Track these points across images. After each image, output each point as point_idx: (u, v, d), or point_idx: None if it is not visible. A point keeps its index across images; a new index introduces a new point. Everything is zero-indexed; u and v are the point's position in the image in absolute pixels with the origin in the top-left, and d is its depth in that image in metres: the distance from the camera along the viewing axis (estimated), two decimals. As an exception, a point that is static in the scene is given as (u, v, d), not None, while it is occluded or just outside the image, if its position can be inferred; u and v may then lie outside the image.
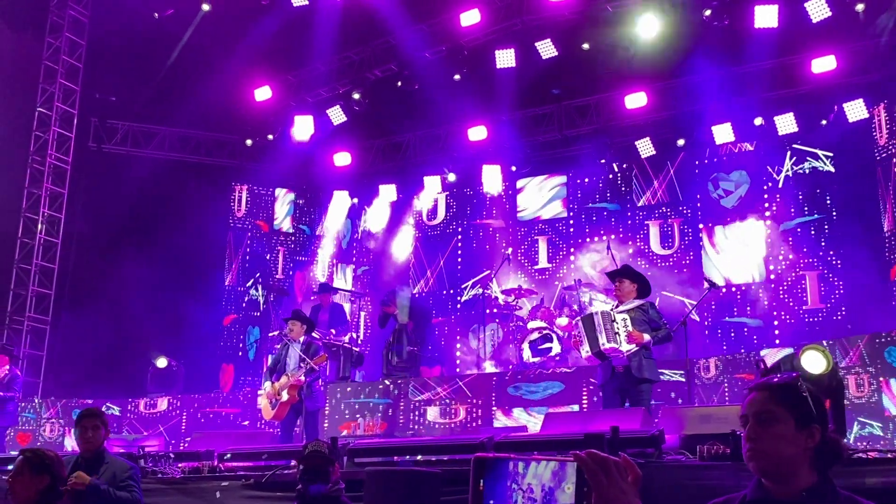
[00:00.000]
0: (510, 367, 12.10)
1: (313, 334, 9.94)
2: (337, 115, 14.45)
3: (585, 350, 7.70)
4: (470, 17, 13.02)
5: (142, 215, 14.04)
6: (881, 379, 8.42)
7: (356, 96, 14.40)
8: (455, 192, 15.07)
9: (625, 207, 13.70)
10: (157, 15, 13.97)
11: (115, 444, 9.65)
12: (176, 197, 14.25)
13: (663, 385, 8.91)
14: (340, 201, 15.65)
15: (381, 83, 14.39)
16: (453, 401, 10.46)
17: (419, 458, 6.11)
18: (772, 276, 12.45)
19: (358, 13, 13.27)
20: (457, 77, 13.72)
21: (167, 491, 6.63)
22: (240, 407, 11.81)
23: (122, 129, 15.16)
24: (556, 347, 11.16)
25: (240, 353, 14.66)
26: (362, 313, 15.17)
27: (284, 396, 8.82)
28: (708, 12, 11.86)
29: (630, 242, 13.45)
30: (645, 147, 13.38)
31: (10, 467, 5.57)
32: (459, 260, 14.80)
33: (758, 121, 12.74)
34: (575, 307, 11.80)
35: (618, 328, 7.52)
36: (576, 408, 9.72)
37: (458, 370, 13.46)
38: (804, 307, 12.14)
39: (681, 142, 13.43)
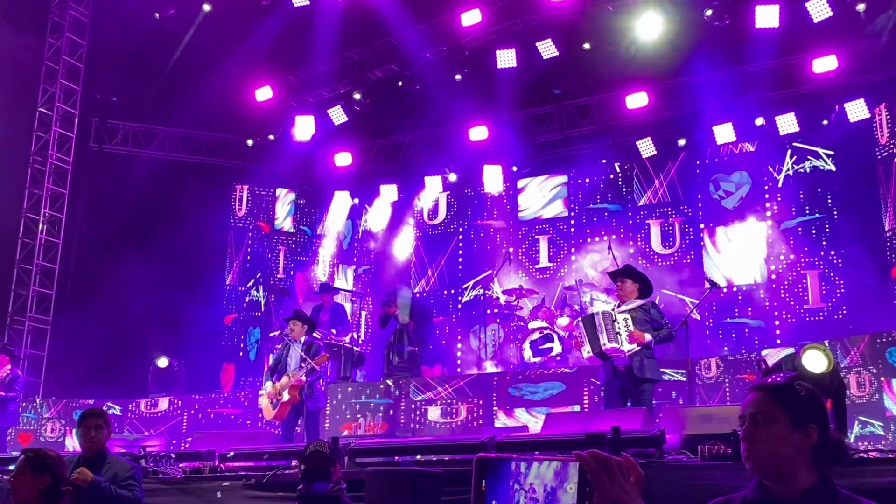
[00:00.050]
0: (511, 366, 12.10)
1: (314, 334, 9.94)
2: (338, 115, 14.46)
3: (587, 350, 7.70)
4: (471, 17, 13.02)
5: (143, 215, 14.04)
6: (882, 379, 8.42)
7: (357, 96, 14.40)
8: (456, 192, 15.07)
9: (626, 207, 13.70)
10: (157, 15, 13.98)
11: (116, 444, 9.64)
12: (177, 197, 14.25)
13: (664, 385, 8.91)
14: (341, 201, 15.66)
15: (382, 83, 14.39)
16: (454, 401, 10.46)
17: (419, 458, 6.10)
18: (773, 276, 12.45)
19: (359, 13, 13.27)
20: (458, 77, 13.72)
21: (168, 491, 6.63)
22: (240, 407, 11.82)
23: (123, 130, 15.17)
24: (556, 347, 11.16)
25: (240, 354, 14.67)
26: (363, 313, 15.18)
27: (285, 396, 8.82)
28: (709, 12, 11.86)
29: (631, 242, 13.45)
30: (646, 147, 13.38)
31: (11, 467, 5.58)
32: (460, 260, 14.81)
33: (759, 121, 12.74)
34: (576, 307, 11.80)
35: (619, 328, 7.52)
36: (577, 408, 9.72)
37: (459, 370, 13.47)
38: (805, 306, 12.14)
39: (682, 142, 13.43)
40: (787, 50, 12.17)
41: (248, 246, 15.18)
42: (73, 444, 11.52)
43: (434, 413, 10.50)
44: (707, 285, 8.93)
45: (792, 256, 12.37)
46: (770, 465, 2.29)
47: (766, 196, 12.74)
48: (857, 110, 11.83)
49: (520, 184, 14.61)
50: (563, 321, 11.61)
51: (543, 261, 14.13)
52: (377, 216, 15.64)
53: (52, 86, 14.46)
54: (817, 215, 12.31)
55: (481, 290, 13.67)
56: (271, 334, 13.57)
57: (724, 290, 12.22)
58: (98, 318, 12.97)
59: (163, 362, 12.90)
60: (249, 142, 15.41)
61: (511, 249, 13.86)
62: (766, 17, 11.54)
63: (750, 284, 12.57)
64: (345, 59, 14.54)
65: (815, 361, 5.24)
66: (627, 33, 12.55)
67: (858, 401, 8.50)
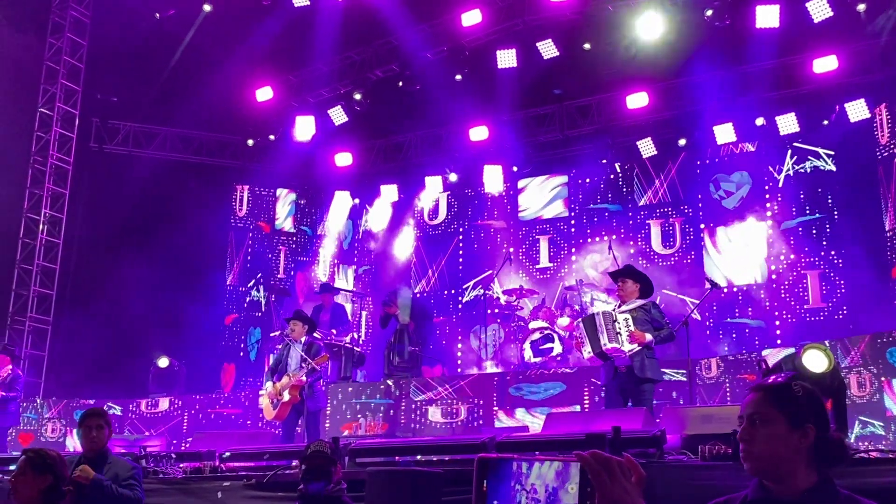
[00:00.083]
0: (511, 367, 12.10)
1: (315, 334, 9.94)
2: (338, 115, 14.46)
3: (587, 351, 7.70)
4: (471, 18, 13.03)
5: (143, 216, 14.05)
6: (883, 379, 8.43)
7: (357, 96, 14.41)
8: (456, 193, 15.07)
9: (626, 207, 13.70)
10: (158, 15, 13.99)
11: (117, 444, 9.66)
12: (177, 197, 14.26)
13: (665, 385, 8.91)
14: (342, 201, 15.66)
15: (382, 83, 14.40)
16: (455, 401, 10.46)
17: (419, 458, 6.10)
18: (773, 277, 12.45)
19: (359, 13, 13.28)
20: (458, 77, 13.73)
21: (169, 491, 6.63)
22: (241, 407, 11.81)
23: (123, 130, 15.18)
24: (557, 347, 11.16)
25: (241, 354, 14.67)
26: (364, 313, 15.18)
27: (286, 397, 8.82)
28: (709, 12, 11.86)
29: (631, 242, 13.45)
30: (646, 147, 13.38)
31: (12, 467, 5.58)
32: (461, 260, 14.81)
33: (759, 121, 12.73)
34: (576, 307, 11.80)
35: (619, 328, 7.52)
36: (577, 408, 9.72)
37: (459, 370, 13.47)
38: (805, 306, 12.14)
39: (682, 142, 13.43)
40: (788, 50, 12.17)
41: (249, 246, 15.18)
42: (73, 444, 11.53)
43: (434, 413, 10.50)
44: (707, 285, 8.94)
45: (792, 256, 12.37)
46: (768, 466, 2.29)
47: (767, 196, 12.74)
48: (857, 110, 11.83)
49: (520, 184, 14.61)
50: (564, 321, 11.61)
51: (544, 261, 14.14)
52: (378, 216, 15.65)
53: (52, 86, 14.47)
54: (818, 215, 12.31)
55: (482, 291, 13.68)
56: (272, 334, 13.59)
57: (725, 290, 12.22)
58: (99, 318, 12.98)
59: (163, 362, 12.91)
60: (250, 142, 15.41)
61: (511, 249, 13.86)
62: (767, 18, 11.54)
63: (750, 284, 12.57)
64: (345, 60, 14.54)
65: (815, 361, 5.24)
66: (628, 33, 12.56)
67: (859, 401, 8.50)
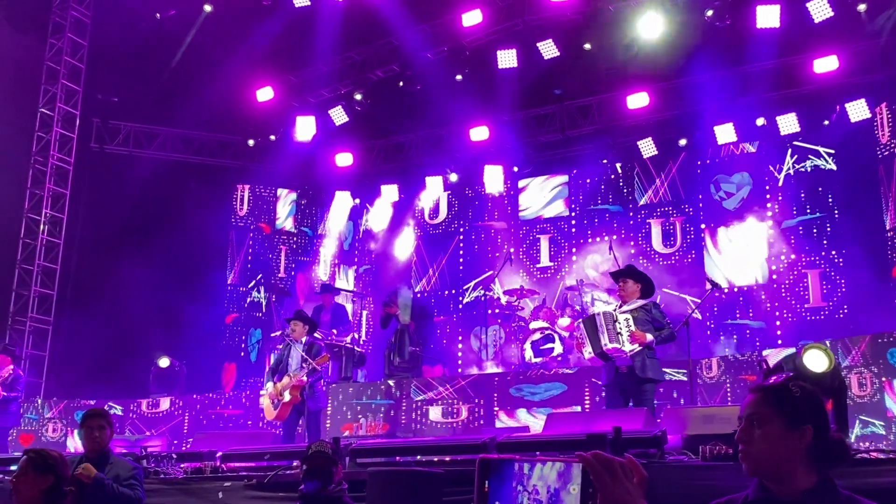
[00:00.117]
0: (512, 367, 12.10)
1: (315, 335, 9.95)
2: (339, 115, 14.47)
3: (588, 351, 7.70)
4: (472, 18, 13.03)
5: (144, 216, 14.05)
6: (883, 379, 8.42)
7: (358, 97, 14.41)
8: (457, 193, 15.07)
9: (626, 207, 13.69)
10: (158, 16, 13.99)
11: (118, 445, 9.66)
12: (178, 197, 14.26)
13: (666, 385, 8.91)
14: (342, 201, 15.66)
15: (382, 83, 14.40)
16: (456, 401, 10.46)
17: (420, 458, 6.10)
18: (773, 276, 12.45)
19: (359, 14, 13.28)
20: (458, 77, 13.74)
21: (169, 491, 6.64)
22: (242, 408, 11.81)
23: (124, 130, 15.18)
24: (557, 348, 11.16)
25: (241, 354, 14.67)
26: (364, 313, 15.18)
27: (287, 397, 8.82)
28: (710, 12, 11.86)
29: (632, 242, 13.45)
30: (647, 147, 13.38)
31: (13, 468, 5.59)
32: (461, 260, 14.81)
33: (760, 121, 12.73)
34: (577, 307, 11.80)
35: (620, 328, 7.51)
36: (578, 408, 9.71)
37: (459, 370, 13.47)
38: (806, 306, 12.14)
39: (683, 142, 13.43)
40: (788, 50, 12.17)
41: (250, 246, 15.19)
42: (74, 444, 11.53)
43: (435, 413, 10.50)
44: (708, 286, 8.94)
45: (793, 256, 12.37)
46: (766, 467, 2.30)
47: (768, 196, 12.74)
48: (858, 110, 11.83)
49: (521, 183, 14.62)
50: (564, 321, 11.61)
51: (544, 260, 14.14)
52: (378, 216, 15.65)
53: (53, 86, 14.47)
54: (818, 214, 12.30)
55: (482, 291, 13.68)
56: (272, 335, 13.61)
57: (725, 290, 12.21)
58: (99, 318, 12.98)
59: (164, 362, 12.91)
60: (251, 142, 15.42)
61: (512, 249, 13.86)
62: (767, 18, 11.54)
63: (751, 285, 12.57)
64: (346, 60, 14.55)
65: (815, 361, 5.25)
66: (628, 33, 12.55)
67: (860, 400, 8.50)
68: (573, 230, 14.04)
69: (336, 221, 15.76)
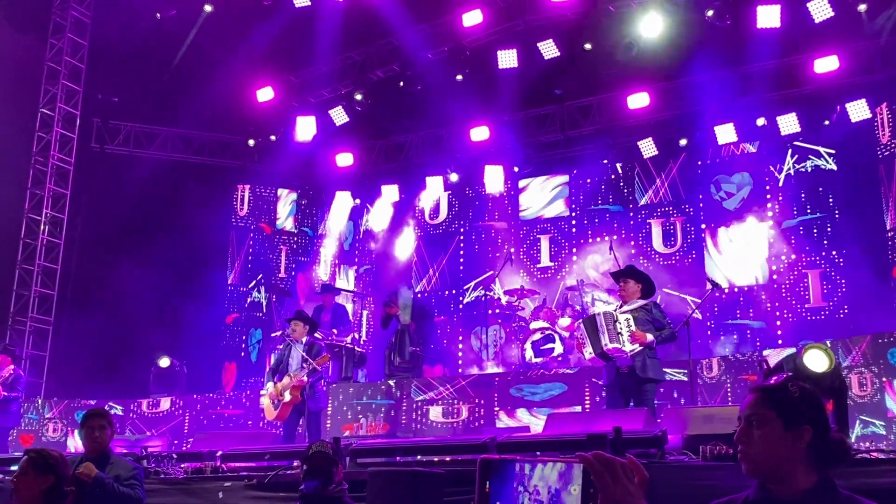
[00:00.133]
0: (512, 367, 12.10)
1: (316, 335, 9.95)
2: (339, 115, 14.46)
3: (589, 352, 7.70)
4: (472, 18, 13.03)
5: (144, 216, 14.05)
6: (884, 379, 8.42)
7: (358, 97, 14.41)
8: (457, 193, 15.07)
9: (627, 207, 13.69)
10: (159, 16, 13.99)
11: (118, 445, 9.66)
12: (178, 197, 14.27)
13: (666, 385, 8.91)
14: (343, 201, 15.66)
15: (383, 84, 14.40)
16: (456, 401, 10.46)
17: (420, 458, 6.10)
18: (774, 276, 12.45)
19: (360, 14, 13.28)
20: (459, 77, 13.72)
21: (170, 491, 6.64)
22: (242, 408, 11.81)
23: (124, 130, 15.18)
24: (558, 348, 11.16)
25: (242, 354, 14.67)
26: (364, 313, 15.18)
27: (287, 397, 8.82)
28: (710, 12, 11.85)
29: (632, 242, 13.45)
30: (647, 147, 13.37)
31: (13, 468, 5.59)
32: (461, 260, 14.81)
33: (760, 121, 12.73)
34: (577, 307, 11.80)
35: (620, 328, 7.52)
36: (578, 408, 9.71)
37: (460, 370, 13.47)
38: (806, 306, 12.14)
39: (683, 142, 13.42)
40: (789, 50, 12.17)
41: (250, 246, 15.19)
42: (74, 444, 11.53)
43: (435, 413, 10.50)
44: (709, 286, 8.94)
45: (793, 256, 12.37)
46: (765, 467, 2.30)
47: (768, 196, 12.74)
48: (858, 110, 11.82)
49: (521, 183, 14.62)
50: (565, 321, 11.61)
51: (545, 260, 14.13)
52: (378, 216, 15.65)
53: (53, 86, 14.47)
54: (819, 215, 12.30)
55: (483, 291, 13.68)
56: (273, 335, 13.61)
57: (726, 290, 12.22)
58: (100, 318, 12.98)
59: (164, 362, 12.91)
60: (251, 142, 15.42)
61: (512, 249, 13.86)
62: (768, 18, 11.54)
63: (751, 285, 12.57)
64: (346, 60, 14.55)
65: (816, 361, 5.25)
66: (629, 33, 12.55)
67: (860, 401, 8.50)
68: (573, 230, 14.04)
69: (336, 221, 15.76)
